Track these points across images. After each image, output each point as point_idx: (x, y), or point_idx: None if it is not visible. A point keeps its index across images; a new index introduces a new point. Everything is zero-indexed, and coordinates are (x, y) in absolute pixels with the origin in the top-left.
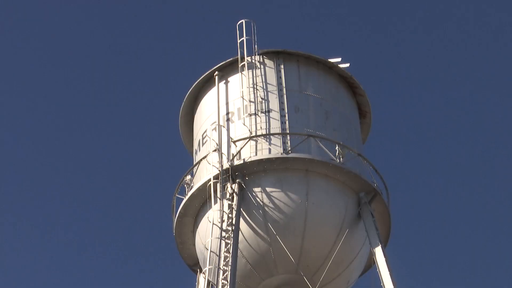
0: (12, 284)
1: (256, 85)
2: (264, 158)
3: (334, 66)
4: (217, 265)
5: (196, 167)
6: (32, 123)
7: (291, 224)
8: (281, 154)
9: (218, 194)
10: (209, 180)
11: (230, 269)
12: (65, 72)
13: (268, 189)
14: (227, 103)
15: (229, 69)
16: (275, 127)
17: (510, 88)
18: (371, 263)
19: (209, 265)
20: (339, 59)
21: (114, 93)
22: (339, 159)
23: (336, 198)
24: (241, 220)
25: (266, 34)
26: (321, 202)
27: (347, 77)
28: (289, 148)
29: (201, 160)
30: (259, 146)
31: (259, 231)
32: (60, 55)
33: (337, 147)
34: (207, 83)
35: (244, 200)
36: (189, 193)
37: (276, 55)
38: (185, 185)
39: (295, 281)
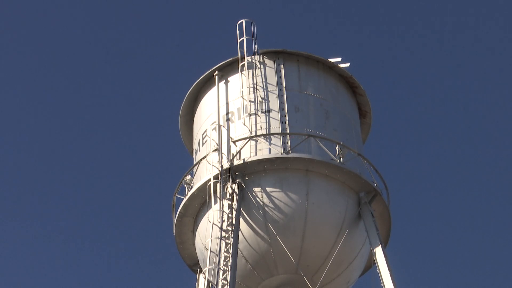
0: (12, 284)
1: (256, 85)
2: (264, 158)
3: (334, 66)
4: (217, 265)
5: (196, 167)
6: (32, 123)
7: (291, 224)
8: (281, 154)
9: (218, 194)
10: (209, 180)
11: (230, 269)
12: (65, 72)
13: (268, 189)
14: (227, 103)
15: (229, 69)
16: (275, 127)
17: (510, 88)
18: (371, 263)
19: (209, 265)
20: (339, 59)
21: (114, 93)
22: (339, 159)
23: (336, 198)
24: (241, 220)
25: (266, 34)
26: (321, 202)
27: (347, 77)
28: (289, 148)
29: (201, 160)
30: (259, 146)
31: (259, 231)
32: (60, 55)
33: (337, 147)
34: (207, 83)
35: (244, 200)
36: (189, 193)
37: (276, 55)
38: (185, 185)
39: (295, 281)
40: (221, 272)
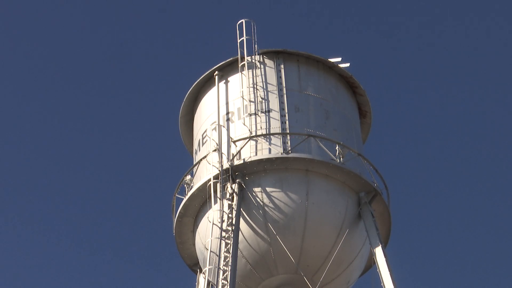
0: (12, 284)
1: (256, 85)
2: (264, 158)
3: (334, 66)
4: (217, 265)
5: (196, 167)
6: (32, 123)
7: (291, 224)
8: (281, 154)
9: (218, 194)
10: (209, 180)
11: (230, 269)
12: (65, 72)
13: (268, 189)
14: (227, 103)
15: (229, 69)
16: (275, 127)
17: (510, 88)
18: (371, 263)
19: (209, 265)
20: (339, 59)
21: (114, 93)
22: (339, 159)
23: (336, 198)
24: (241, 220)
25: (266, 34)
26: (321, 202)
27: (347, 76)
28: (289, 148)
29: (201, 160)
30: (259, 146)
31: (259, 231)
32: (60, 55)
33: (337, 147)
34: (207, 83)
35: (244, 200)
36: (189, 193)
37: (276, 55)
38: (185, 185)
39: (295, 281)
40: (221, 272)
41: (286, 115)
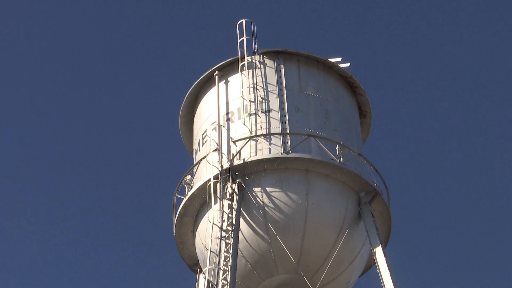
0: (12, 284)
1: (256, 85)
2: (264, 158)
3: (334, 66)
4: (217, 265)
5: (196, 167)
6: (32, 123)
7: (291, 224)
8: (281, 154)
9: (218, 194)
10: (209, 180)
11: (230, 269)
12: (65, 72)
13: (268, 189)
14: (227, 103)
15: (229, 68)
16: (275, 127)
17: (510, 89)
18: (371, 263)
19: (209, 265)
20: (339, 59)
21: (114, 93)
22: (339, 159)
23: (336, 198)
24: (241, 220)
25: (266, 34)
26: (321, 202)
27: (347, 77)
28: (289, 148)
29: (201, 160)
30: (259, 146)
31: (259, 231)
32: (60, 55)
33: (337, 147)
34: (207, 83)
35: (244, 200)
36: (189, 193)
37: (276, 55)
38: (185, 185)
39: (295, 281)
40: (221, 272)
41: (286, 115)
